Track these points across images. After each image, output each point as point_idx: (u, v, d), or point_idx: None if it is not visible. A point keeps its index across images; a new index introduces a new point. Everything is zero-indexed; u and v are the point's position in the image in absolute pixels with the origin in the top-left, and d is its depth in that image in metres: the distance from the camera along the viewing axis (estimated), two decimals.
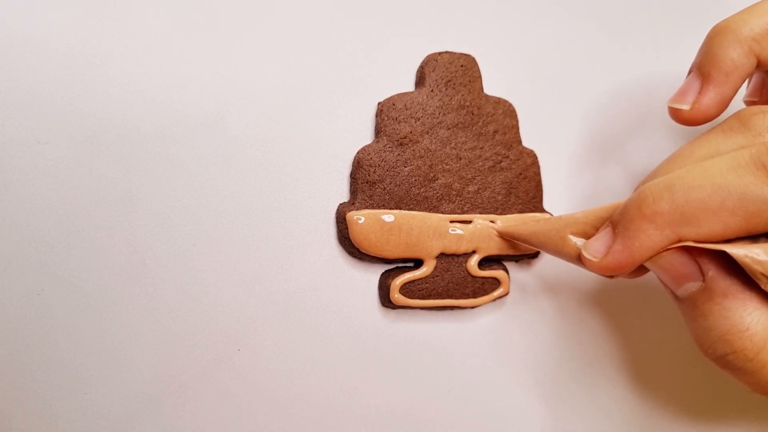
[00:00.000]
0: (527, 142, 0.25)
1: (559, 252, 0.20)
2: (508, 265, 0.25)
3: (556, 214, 0.25)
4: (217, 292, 0.23)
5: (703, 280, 0.16)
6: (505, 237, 0.23)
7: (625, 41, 0.26)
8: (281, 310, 0.23)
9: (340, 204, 0.23)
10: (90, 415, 0.22)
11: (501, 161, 0.24)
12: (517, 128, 0.24)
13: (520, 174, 0.24)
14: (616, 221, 0.17)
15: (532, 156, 0.24)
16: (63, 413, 0.22)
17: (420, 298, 0.23)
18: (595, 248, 0.18)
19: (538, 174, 0.25)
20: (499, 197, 0.24)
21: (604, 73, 0.26)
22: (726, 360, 0.16)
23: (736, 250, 0.15)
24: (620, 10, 0.26)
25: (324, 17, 0.23)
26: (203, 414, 0.23)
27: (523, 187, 0.24)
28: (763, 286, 0.15)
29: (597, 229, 0.19)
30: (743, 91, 0.23)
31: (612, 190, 0.26)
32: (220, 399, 0.23)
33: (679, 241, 0.16)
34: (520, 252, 0.24)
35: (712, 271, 0.16)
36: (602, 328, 0.27)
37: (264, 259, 0.23)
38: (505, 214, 0.24)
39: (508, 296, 0.25)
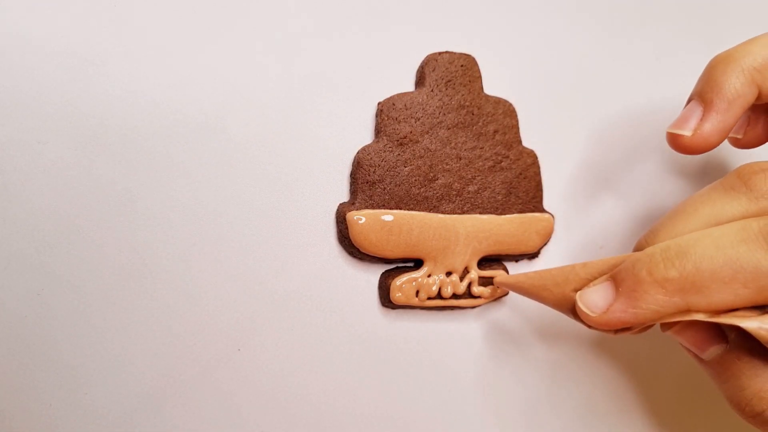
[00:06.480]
0: (527, 142, 0.25)
1: (559, 306, 0.19)
2: (508, 264, 0.25)
3: (555, 214, 0.25)
4: (217, 292, 0.23)
5: (727, 342, 0.16)
6: (504, 288, 0.22)
7: (625, 41, 0.26)
8: (281, 310, 0.23)
9: (340, 204, 0.23)
10: (90, 415, 0.22)
11: (501, 161, 0.24)
12: (517, 128, 0.24)
13: (520, 174, 0.24)
14: (620, 279, 0.17)
15: (532, 156, 0.24)
16: (63, 413, 0.22)
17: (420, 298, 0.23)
18: (593, 301, 0.17)
19: (538, 174, 0.25)
20: (499, 197, 0.24)
21: (604, 72, 0.26)
22: (764, 417, 0.16)
23: (750, 324, 0.15)
24: (620, 9, 0.26)
25: (324, 17, 0.23)
26: (203, 414, 0.23)
27: (523, 187, 0.24)
28: None
29: None
30: None
31: (612, 190, 0.26)
32: (220, 399, 0.23)
33: (687, 308, 0.16)
34: (520, 252, 0.24)
35: (734, 334, 0.16)
36: None
37: (264, 259, 0.23)
38: (505, 214, 0.24)
39: (508, 296, 0.25)
